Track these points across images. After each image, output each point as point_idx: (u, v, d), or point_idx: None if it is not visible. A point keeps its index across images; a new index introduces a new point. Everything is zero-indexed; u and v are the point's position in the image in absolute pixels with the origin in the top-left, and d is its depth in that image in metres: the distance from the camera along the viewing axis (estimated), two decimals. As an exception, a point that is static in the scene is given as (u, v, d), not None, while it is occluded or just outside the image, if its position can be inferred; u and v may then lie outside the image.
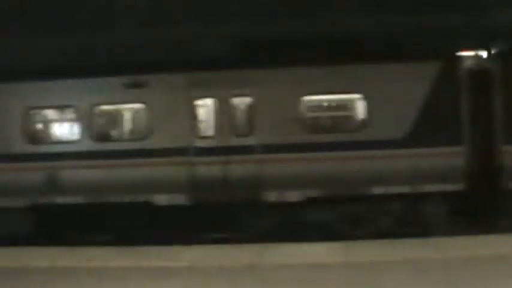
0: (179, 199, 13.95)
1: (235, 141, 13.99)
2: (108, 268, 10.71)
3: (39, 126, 15.10)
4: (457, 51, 14.03)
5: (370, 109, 13.80)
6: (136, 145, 14.26)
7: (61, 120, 15.14)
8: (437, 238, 12.37)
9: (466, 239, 12.03)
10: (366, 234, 13.34)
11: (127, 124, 14.95)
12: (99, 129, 14.60)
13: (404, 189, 13.53)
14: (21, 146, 14.49)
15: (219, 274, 10.09)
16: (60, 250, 12.34)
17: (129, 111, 14.81)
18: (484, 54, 14.23)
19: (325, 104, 14.52)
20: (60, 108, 14.93)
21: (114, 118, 14.96)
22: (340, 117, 14.38)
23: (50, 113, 15.16)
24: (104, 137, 14.59)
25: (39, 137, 14.92)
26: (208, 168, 13.87)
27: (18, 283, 10.04)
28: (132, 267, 10.71)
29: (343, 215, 13.87)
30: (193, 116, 14.19)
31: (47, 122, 15.17)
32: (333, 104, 14.43)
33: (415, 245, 11.57)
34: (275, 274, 9.94)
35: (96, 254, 11.77)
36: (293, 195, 13.75)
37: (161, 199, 14.02)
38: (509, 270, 9.58)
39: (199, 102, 14.23)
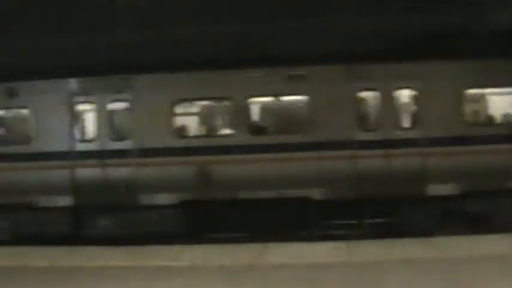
0: (337, 193, 13.74)
1: (397, 134, 13.78)
2: (109, 268, 10.70)
3: (191, 118, 14.69)
4: None
5: None
6: (293, 138, 13.94)
7: (216, 113, 14.80)
8: (438, 238, 12.38)
9: (466, 238, 12.04)
10: None
11: (283, 117, 14.53)
12: (255, 122, 14.28)
13: None
14: (171, 140, 14.12)
15: (219, 274, 10.09)
16: (61, 250, 12.35)
17: (288, 103, 14.45)
18: None
19: (484, 97, 14.28)
20: (215, 100, 14.59)
21: (270, 111, 14.56)
22: (498, 111, 14.18)
23: (204, 105, 14.78)
24: (260, 130, 14.23)
25: (191, 130, 14.54)
26: (371, 162, 13.67)
27: (19, 283, 10.03)
28: (133, 266, 10.71)
29: (499, 207, 13.72)
30: (355, 109, 13.93)
31: (199, 115, 14.78)
32: (492, 97, 14.23)
33: (415, 245, 11.57)
34: (276, 274, 9.94)
35: (96, 253, 11.77)
36: (450, 189, 13.64)
37: (318, 193, 13.76)
38: (510, 270, 9.58)
39: (362, 94, 13.99)
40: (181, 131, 14.35)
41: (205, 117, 14.81)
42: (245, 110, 14.11)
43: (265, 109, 14.56)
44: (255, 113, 14.41)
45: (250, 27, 14.53)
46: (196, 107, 14.79)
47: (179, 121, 14.37)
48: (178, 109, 14.35)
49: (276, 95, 14.25)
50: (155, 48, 14.51)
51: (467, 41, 13.84)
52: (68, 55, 14.68)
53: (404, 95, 14.10)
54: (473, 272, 9.54)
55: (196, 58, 14.21)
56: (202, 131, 14.60)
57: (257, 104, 14.36)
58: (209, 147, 14.06)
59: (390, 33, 14.24)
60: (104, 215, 14.29)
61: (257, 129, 14.17)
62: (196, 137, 14.43)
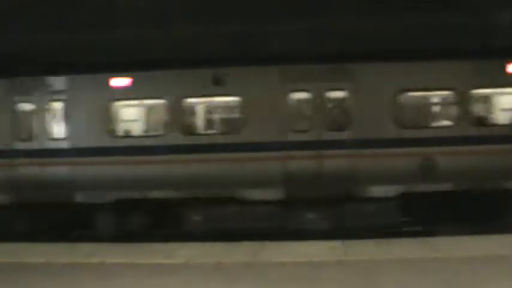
0: None
1: None
2: (106, 264, 10.72)
3: (412, 109, 14.30)
4: None
5: None
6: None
7: (436, 104, 14.37)
8: (436, 238, 12.36)
9: (464, 239, 12.04)
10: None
11: (504, 109, 14.01)
12: (476, 114, 13.94)
13: None
14: (392, 131, 13.71)
15: (215, 271, 10.10)
16: (60, 246, 12.35)
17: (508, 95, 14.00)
18: None
19: None
20: (435, 90, 14.13)
21: (491, 102, 14.10)
22: None
23: (424, 96, 14.39)
24: (480, 122, 13.93)
25: (412, 121, 14.13)
26: None
27: (18, 279, 10.04)
28: (130, 263, 10.71)
29: None
30: None
31: (420, 105, 14.42)
32: None
33: (413, 245, 11.58)
34: (272, 272, 9.95)
35: (94, 250, 11.78)
36: None
37: None
38: (508, 271, 9.59)
39: None
40: (402, 122, 13.89)
41: (425, 108, 14.47)
42: (468, 101, 13.78)
43: (485, 101, 14.21)
44: (477, 105, 14.08)
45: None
46: (417, 97, 14.39)
47: (400, 111, 13.94)
48: (400, 99, 13.94)
49: (496, 86, 13.92)
50: (376, 36, 14.18)
51: None
52: (277, 42, 14.23)
53: None
54: (472, 273, 9.55)
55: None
56: (423, 121, 14.26)
57: (479, 95, 14.03)
58: (431, 138, 13.72)
59: None
60: (316, 208, 13.97)
61: (477, 121, 13.90)
62: (418, 127, 14.03)
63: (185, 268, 10.37)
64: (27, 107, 14.46)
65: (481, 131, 13.71)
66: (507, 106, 14.08)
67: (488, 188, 13.56)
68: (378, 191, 13.68)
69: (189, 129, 14.21)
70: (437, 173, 13.58)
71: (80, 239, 13.45)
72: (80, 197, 14.11)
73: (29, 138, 14.37)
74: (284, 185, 13.74)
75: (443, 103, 14.38)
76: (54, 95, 14.32)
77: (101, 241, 12.98)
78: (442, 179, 13.56)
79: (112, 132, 14.20)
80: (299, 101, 14.09)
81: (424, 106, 14.48)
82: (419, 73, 13.81)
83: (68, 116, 14.28)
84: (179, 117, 14.06)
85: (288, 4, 14.45)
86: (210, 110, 14.64)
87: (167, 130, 14.07)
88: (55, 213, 14.25)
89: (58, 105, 14.35)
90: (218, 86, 13.93)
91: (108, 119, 14.19)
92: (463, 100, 13.74)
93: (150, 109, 14.54)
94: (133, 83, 14.15)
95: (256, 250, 11.45)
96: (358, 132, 13.78)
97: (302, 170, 13.68)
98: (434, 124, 14.22)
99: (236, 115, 14.20)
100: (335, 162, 13.66)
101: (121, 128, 14.36)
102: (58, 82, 14.35)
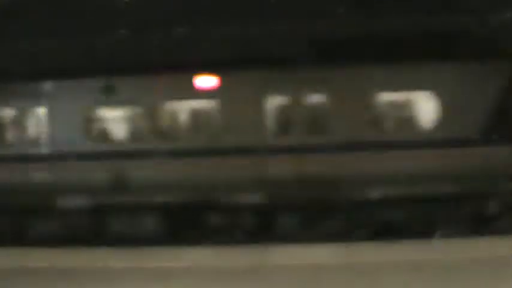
0: None
1: None
2: (109, 269, 10.66)
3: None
4: None
5: None
6: None
7: None
8: (439, 240, 12.35)
9: (467, 241, 12.01)
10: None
11: None
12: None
13: None
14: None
15: (220, 275, 10.03)
16: (61, 250, 12.32)
17: None
18: None
19: None
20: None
21: None
22: None
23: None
24: None
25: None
26: None
27: (18, 284, 10.00)
28: (133, 268, 10.64)
29: None
30: None
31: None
32: None
33: (416, 247, 11.54)
34: (277, 276, 9.89)
35: (96, 254, 11.72)
36: None
37: None
38: (510, 272, 9.57)
39: None
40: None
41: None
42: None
43: None
44: None
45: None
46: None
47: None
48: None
49: None
50: None
51: None
52: None
53: None
54: (475, 274, 9.50)
55: None
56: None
57: None
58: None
59: None
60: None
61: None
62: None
63: (189, 272, 10.33)
64: None
65: None
66: None
67: None
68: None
69: None
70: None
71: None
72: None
73: None
74: None
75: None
76: None
77: None
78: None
79: None
80: None
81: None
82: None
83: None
84: None
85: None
86: None
87: None
88: None
89: None
90: None
91: None
92: None
93: None
94: None
95: (260, 254, 11.40)
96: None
97: None
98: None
99: None
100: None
101: None
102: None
